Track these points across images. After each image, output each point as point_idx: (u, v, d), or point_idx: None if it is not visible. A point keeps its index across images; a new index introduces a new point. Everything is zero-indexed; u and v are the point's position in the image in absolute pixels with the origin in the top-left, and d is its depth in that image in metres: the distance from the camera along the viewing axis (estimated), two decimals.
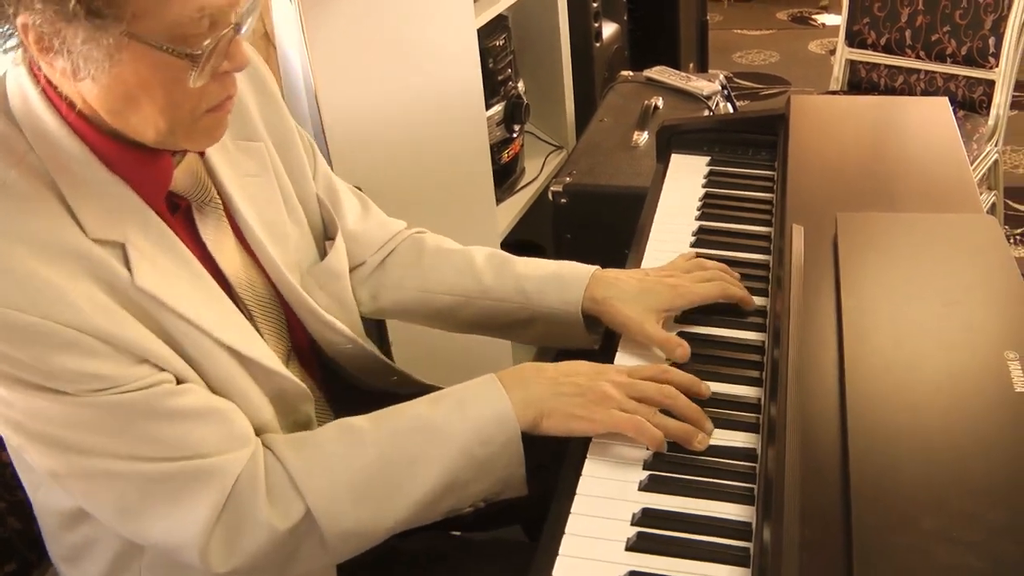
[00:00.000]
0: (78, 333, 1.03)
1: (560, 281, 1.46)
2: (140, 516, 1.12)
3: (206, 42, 1.03)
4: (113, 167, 1.12)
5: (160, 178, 1.17)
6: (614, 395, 1.20)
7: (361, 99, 2.20)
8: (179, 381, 1.13)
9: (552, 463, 1.23)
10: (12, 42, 1.04)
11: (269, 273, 1.31)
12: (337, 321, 1.38)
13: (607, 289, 1.43)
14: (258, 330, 1.28)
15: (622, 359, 1.38)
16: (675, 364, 1.32)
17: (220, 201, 1.26)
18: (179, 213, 1.22)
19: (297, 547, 1.15)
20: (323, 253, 1.43)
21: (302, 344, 1.40)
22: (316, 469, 1.16)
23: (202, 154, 1.24)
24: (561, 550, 1.08)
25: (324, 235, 1.46)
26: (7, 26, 1.02)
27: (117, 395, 1.07)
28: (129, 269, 1.10)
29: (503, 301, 1.48)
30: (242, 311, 1.26)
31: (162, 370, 1.11)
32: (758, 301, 1.45)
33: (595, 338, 1.49)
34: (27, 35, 1.01)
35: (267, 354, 1.24)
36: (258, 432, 1.21)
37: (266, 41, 2.53)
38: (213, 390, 1.17)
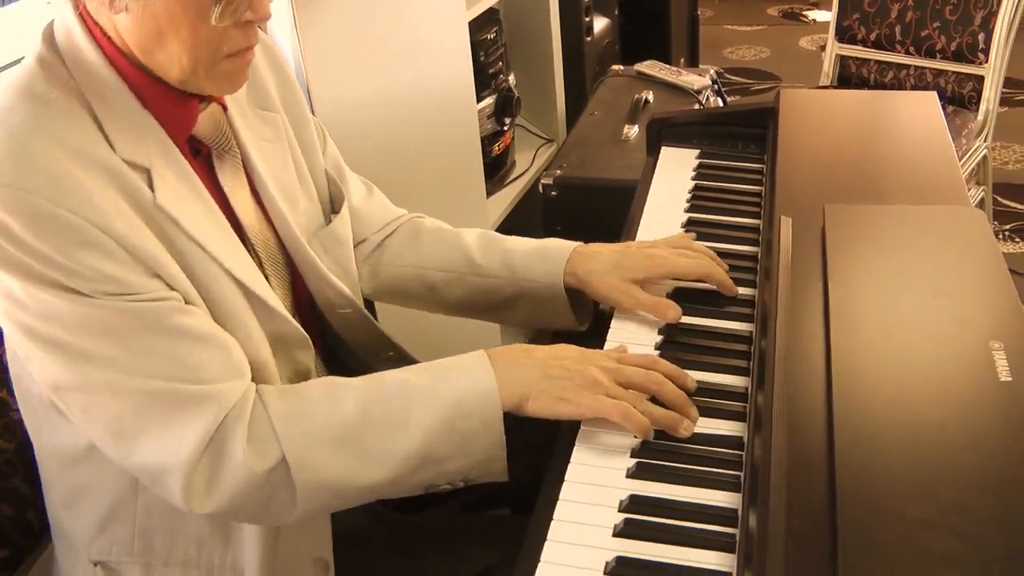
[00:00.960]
0: (101, 233, 1.09)
1: (543, 255, 1.50)
2: (132, 436, 1.14)
3: None
4: (144, 101, 1.18)
5: (186, 118, 1.23)
6: (602, 380, 1.21)
7: (353, 92, 2.20)
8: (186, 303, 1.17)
9: (543, 447, 1.24)
10: None
11: (278, 228, 1.36)
12: (338, 281, 1.41)
13: (588, 262, 1.46)
14: (266, 277, 1.32)
15: (617, 330, 1.40)
16: (667, 350, 1.34)
17: (239, 153, 1.31)
18: (200, 158, 1.27)
19: (271, 494, 1.17)
20: (329, 223, 1.47)
21: (305, 308, 1.43)
22: (296, 417, 1.18)
23: (225, 109, 1.29)
24: (549, 535, 1.08)
25: (331, 208, 1.50)
26: None
27: (128, 302, 1.11)
28: (152, 190, 1.15)
29: (491, 277, 1.52)
30: (253, 257, 1.30)
31: (171, 289, 1.15)
32: (746, 292, 1.46)
33: (582, 318, 1.52)
34: None
35: (271, 295, 1.28)
36: (256, 372, 1.24)
37: None
38: (216, 319, 1.21)
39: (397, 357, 1.54)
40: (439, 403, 1.19)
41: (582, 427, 1.23)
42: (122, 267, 1.11)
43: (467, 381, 1.20)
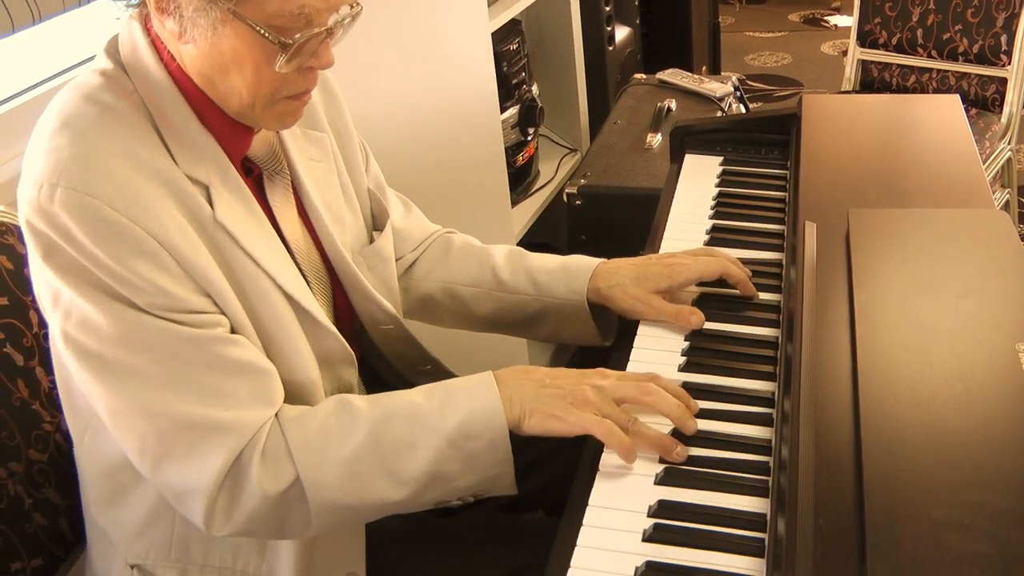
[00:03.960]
0: (158, 245, 1.12)
1: (567, 272, 1.52)
2: (158, 456, 1.17)
3: (297, 35, 1.14)
4: (204, 120, 1.22)
5: (242, 139, 1.27)
6: (592, 399, 1.21)
7: (377, 103, 2.22)
8: (233, 326, 1.20)
9: (572, 452, 1.25)
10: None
11: (325, 247, 1.39)
12: (382, 298, 1.44)
13: (609, 278, 1.49)
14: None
15: (644, 337, 1.42)
16: (693, 356, 1.34)
17: (288, 174, 1.34)
18: (251, 178, 1.30)
19: (287, 513, 1.19)
20: (371, 241, 1.50)
21: (346, 325, 1.45)
22: (310, 441, 1.19)
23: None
24: (579, 541, 1.09)
25: (372, 225, 1.53)
26: None
27: (172, 324, 1.14)
28: (212, 206, 1.18)
29: (517, 294, 1.54)
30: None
31: (219, 312, 1.18)
32: (772, 297, 1.46)
33: (607, 334, 1.53)
34: None
35: (319, 310, 1.30)
36: (304, 391, 1.27)
37: None
38: (266, 333, 1.24)
39: (434, 370, 1.57)
40: (446, 425, 1.20)
41: None
42: (174, 281, 1.13)
43: (473, 402, 1.22)
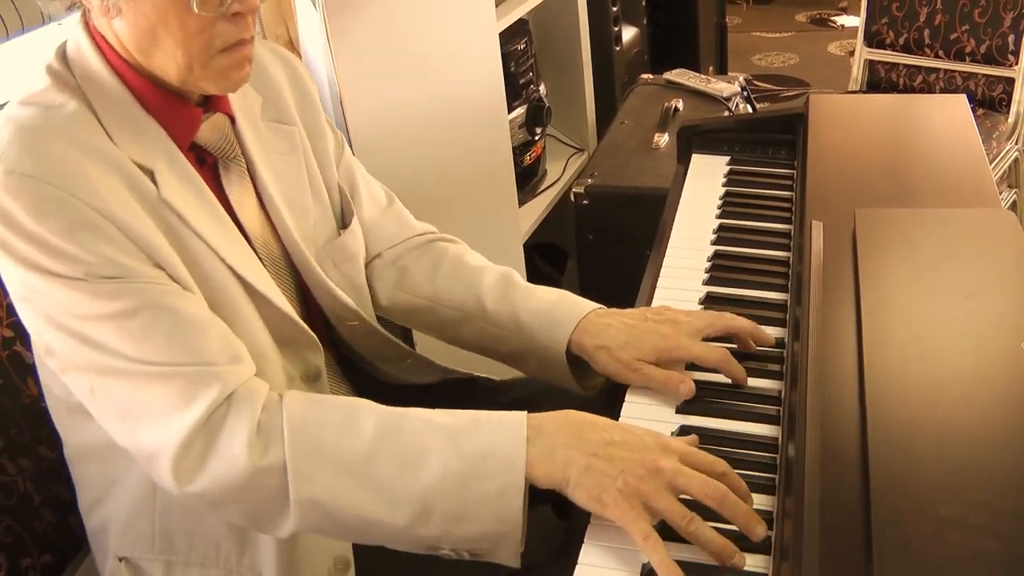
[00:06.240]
0: (101, 217, 1.13)
1: (552, 317, 1.42)
2: (138, 416, 1.15)
3: None
4: (147, 107, 1.24)
5: (188, 123, 1.27)
6: (647, 489, 1.09)
7: (385, 104, 2.22)
8: None
9: None
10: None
11: (283, 238, 1.38)
12: (343, 295, 1.42)
13: (595, 337, 1.38)
14: None
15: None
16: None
17: (243, 161, 1.34)
18: (206, 167, 1.30)
19: (264, 496, 1.15)
20: (340, 236, 1.48)
21: (316, 317, 1.44)
22: (308, 427, 1.15)
23: (233, 121, 1.34)
24: (587, 537, 1.10)
25: (342, 222, 1.51)
26: None
27: (129, 284, 1.14)
28: (157, 187, 1.20)
29: (499, 328, 1.47)
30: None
31: (172, 280, 1.18)
32: (779, 296, 1.47)
33: (590, 385, 1.46)
34: None
35: (276, 294, 1.30)
36: (256, 364, 1.24)
37: (291, 48, 2.56)
38: (216, 312, 1.22)
39: (416, 364, 1.54)
40: (459, 453, 1.13)
41: (622, 418, 1.23)
42: (122, 252, 1.14)
43: (497, 437, 1.13)
